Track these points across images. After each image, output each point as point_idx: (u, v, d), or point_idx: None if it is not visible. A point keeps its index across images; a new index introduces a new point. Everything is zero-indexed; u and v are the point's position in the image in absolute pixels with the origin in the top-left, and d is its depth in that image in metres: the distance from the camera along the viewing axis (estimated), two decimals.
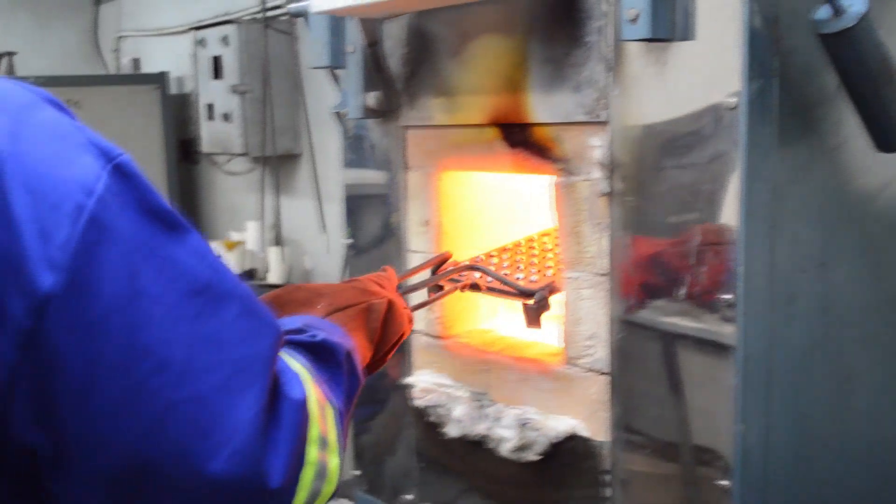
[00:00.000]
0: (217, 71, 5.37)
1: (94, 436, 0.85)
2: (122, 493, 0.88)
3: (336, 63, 2.13)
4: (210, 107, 5.45)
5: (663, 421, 1.61)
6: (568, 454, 1.76)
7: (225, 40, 5.28)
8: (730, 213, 1.48)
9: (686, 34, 1.52)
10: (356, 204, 2.24)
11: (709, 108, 1.50)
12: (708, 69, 1.51)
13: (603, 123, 1.65)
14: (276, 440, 0.94)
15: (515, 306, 2.05)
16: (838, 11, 1.45)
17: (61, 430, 0.84)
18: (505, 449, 1.81)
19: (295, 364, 1.07)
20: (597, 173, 1.66)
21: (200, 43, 5.54)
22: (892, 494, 1.82)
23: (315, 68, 2.16)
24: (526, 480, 1.84)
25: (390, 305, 1.43)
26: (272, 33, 4.71)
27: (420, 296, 1.80)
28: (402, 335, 1.47)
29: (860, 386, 1.71)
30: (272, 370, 0.96)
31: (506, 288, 1.86)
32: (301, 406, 0.99)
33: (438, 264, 1.90)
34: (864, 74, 1.49)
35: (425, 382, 2.01)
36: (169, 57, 6.20)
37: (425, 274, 1.87)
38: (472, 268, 1.88)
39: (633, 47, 1.60)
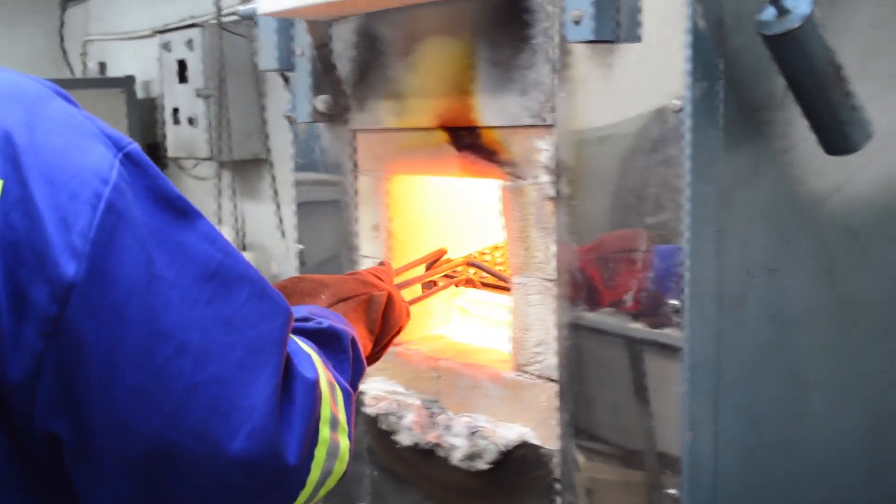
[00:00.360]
0: (182, 75, 5.32)
1: (118, 421, 0.86)
2: (144, 479, 0.89)
3: (285, 66, 2.09)
4: (175, 111, 5.40)
5: (613, 428, 1.58)
6: (518, 462, 1.73)
7: (189, 44, 5.23)
8: (676, 217, 1.46)
9: (631, 36, 1.50)
10: (308, 209, 2.21)
11: (654, 111, 1.48)
12: (653, 71, 1.48)
13: (549, 126, 1.63)
14: (291, 418, 0.97)
15: (470, 312, 2.02)
16: (783, 13, 1.43)
17: (84, 417, 0.85)
18: (455, 457, 1.78)
19: (305, 346, 1.09)
20: (543, 177, 1.64)
21: (166, 47, 5.48)
22: (846, 500, 1.80)
23: (265, 71, 2.12)
24: (477, 489, 1.81)
25: (390, 298, 1.46)
26: (233, 37, 4.66)
27: (414, 292, 1.84)
28: (400, 328, 1.50)
29: (813, 391, 1.69)
30: (285, 350, 0.99)
31: (501, 283, 1.88)
32: (314, 385, 1.02)
33: (433, 260, 1.89)
34: (810, 77, 1.46)
35: (377, 390, 1.98)
36: (135, 61, 6.14)
37: (417, 270, 1.89)
38: (468, 264, 1.86)
39: (578, 49, 1.57)
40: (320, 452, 1.03)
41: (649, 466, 1.54)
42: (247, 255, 5.04)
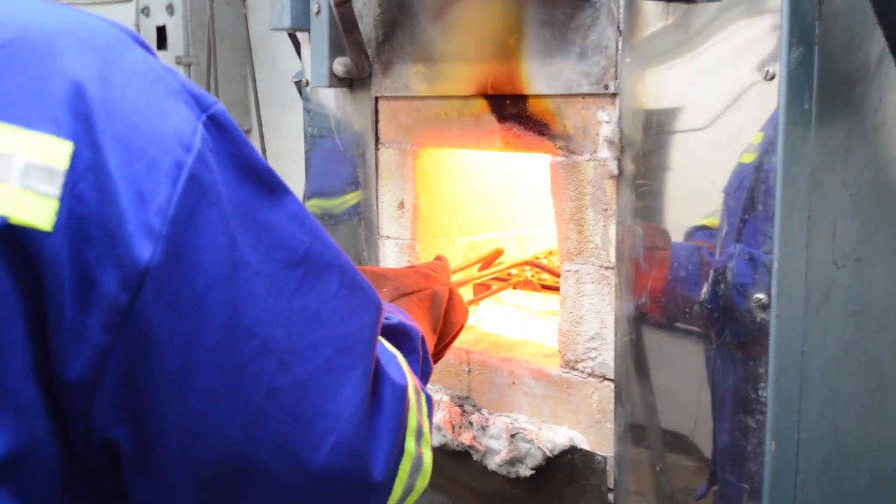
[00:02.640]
0: (162, 41, 5.10)
1: (188, 429, 0.75)
2: (213, 495, 0.78)
3: (299, 25, 1.89)
4: None
5: (680, 435, 1.42)
6: (566, 469, 1.56)
7: (170, 9, 5.01)
8: (764, 200, 1.29)
9: None
10: (318, 184, 2.01)
11: (740, 80, 1.30)
12: (739, 34, 1.30)
13: (612, 95, 1.45)
14: (378, 428, 0.88)
15: (503, 300, 1.85)
16: None
17: (150, 423, 0.74)
18: (493, 462, 1.60)
19: (389, 346, 0.99)
20: (604, 152, 1.46)
21: (144, 12, 5.26)
22: None
23: (277, 30, 1.92)
24: (516, 497, 1.64)
25: (451, 294, 1.37)
26: (219, 1, 4.43)
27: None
28: (461, 327, 1.41)
29: (891, 394, 1.53)
30: (375, 350, 0.88)
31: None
32: (403, 392, 0.92)
33: (489, 261, 1.74)
34: None
35: None
36: None
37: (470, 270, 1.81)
38: (527, 263, 1.70)
39: (649, 8, 1.39)
40: (404, 467, 0.93)
41: (722, 479, 1.37)
42: None
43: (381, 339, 0.97)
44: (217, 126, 0.77)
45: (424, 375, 1.12)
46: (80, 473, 0.75)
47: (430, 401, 1.03)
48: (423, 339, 1.11)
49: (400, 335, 1.06)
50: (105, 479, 0.76)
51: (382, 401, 0.89)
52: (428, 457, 1.00)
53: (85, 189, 0.70)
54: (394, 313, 1.10)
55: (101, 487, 0.77)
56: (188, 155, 0.73)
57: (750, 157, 1.31)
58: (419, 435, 0.97)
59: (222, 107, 0.79)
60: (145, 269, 0.70)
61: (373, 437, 0.86)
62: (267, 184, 0.80)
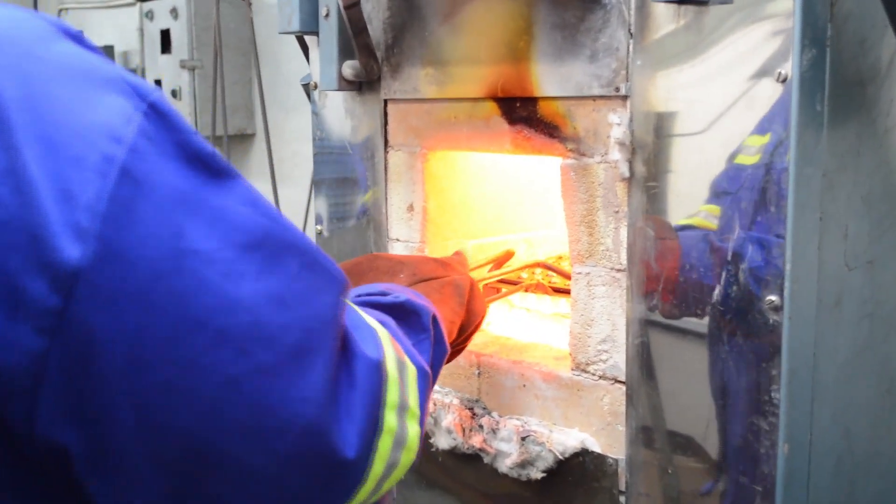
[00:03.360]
0: (165, 45, 5.10)
1: (146, 422, 0.73)
2: (181, 480, 0.77)
3: (308, 28, 1.89)
4: (158, 83, 5.17)
5: (692, 438, 1.41)
6: (577, 472, 1.55)
7: (174, 13, 5.02)
8: (776, 202, 1.29)
9: None
10: (327, 187, 2.01)
11: (752, 82, 1.30)
12: (751, 37, 1.30)
13: (623, 98, 1.45)
14: (351, 404, 0.86)
15: (513, 303, 1.85)
16: None
17: (104, 421, 0.72)
18: (504, 465, 1.60)
19: (371, 320, 0.98)
20: (615, 155, 1.46)
21: (147, 16, 5.27)
22: None
23: (285, 34, 1.92)
24: (526, 499, 1.64)
25: (472, 285, 1.36)
26: (224, 4, 4.43)
27: None
28: (481, 318, 1.38)
29: None
30: (340, 327, 0.87)
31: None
32: (377, 366, 0.91)
33: (499, 263, 1.73)
34: None
35: None
36: (114, 30, 5.89)
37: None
38: (540, 265, 1.70)
39: (660, 10, 1.39)
40: (385, 443, 0.92)
41: (734, 482, 1.37)
42: None
43: (360, 311, 0.96)
44: (158, 115, 0.75)
45: (438, 354, 1.11)
46: (30, 474, 0.74)
47: (422, 373, 1.01)
48: (434, 318, 1.10)
49: (408, 313, 1.06)
50: (58, 478, 0.75)
51: (355, 375, 0.88)
52: (414, 430, 0.98)
53: (3, 194, 0.67)
54: (404, 293, 1.10)
55: (55, 486, 0.75)
56: (119, 147, 0.71)
57: (751, 160, 1.31)
58: (402, 409, 0.95)
59: (163, 94, 0.77)
60: (76, 269, 0.68)
61: (345, 415, 0.85)
62: (215, 170, 0.78)
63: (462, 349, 1.37)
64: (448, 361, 1.30)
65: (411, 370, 0.99)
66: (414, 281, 1.26)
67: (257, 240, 0.78)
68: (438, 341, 1.12)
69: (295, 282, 0.81)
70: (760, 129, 1.30)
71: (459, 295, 1.30)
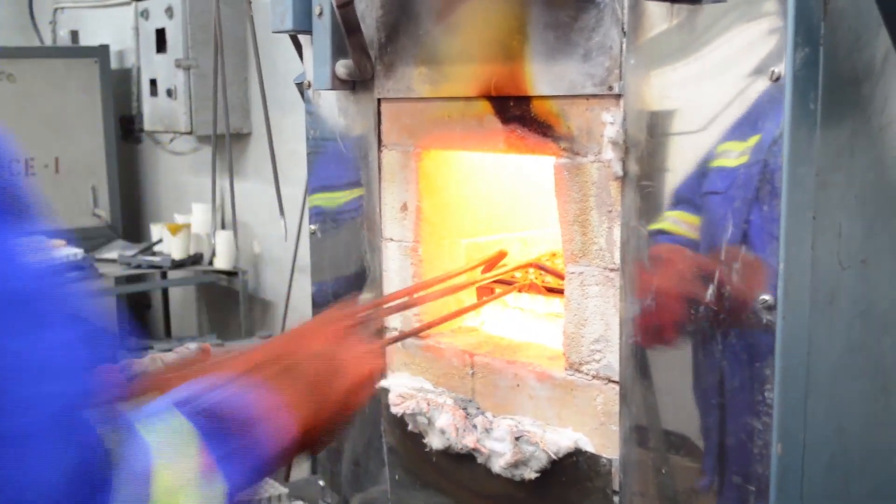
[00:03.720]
0: (161, 44, 5.10)
1: None
2: None
3: (301, 27, 1.89)
4: (153, 82, 5.18)
5: (686, 437, 1.41)
6: (570, 471, 1.55)
7: (169, 12, 5.02)
8: (770, 200, 1.28)
9: None
10: (321, 186, 2.01)
11: (746, 81, 1.30)
12: (744, 36, 1.30)
13: (616, 97, 1.44)
14: None
15: (507, 302, 1.84)
16: None
17: None
18: (498, 465, 1.60)
19: (150, 435, 0.88)
20: (609, 154, 1.45)
21: (143, 15, 5.27)
22: None
23: (278, 32, 1.92)
24: (519, 499, 1.63)
25: (328, 353, 1.18)
26: (221, 3, 4.42)
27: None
28: (359, 383, 1.20)
29: None
30: (94, 424, 0.80)
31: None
32: (141, 482, 0.83)
33: (492, 264, 1.71)
34: None
35: (403, 387, 1.79)
36: (109, 29, 5.88)
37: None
38: (533, 265, 1.68)
39: (653, 9, 1.39)
40: None
41: (728, 481, 1.37)
42: (225, 235, 4.82)
43: (141, 426, 0.89)
44: None
45: (262, 457, 1.00)
46: None
47: (230, 490, 0.92)
48: (256, 417, 1.00)
49: (217, 418, 0.96)
50: None
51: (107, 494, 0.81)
52: None
53: None
54: (224, 393, 1.01)
55: None
56: None
57: (742, 159, 1.30)
58: None
59: None
60: None
61: None
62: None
63: (343, 418, 1.19)
64: (338, 432, 1.20)
65: (218, 487, 0.92)
66: (248, 369, 1.12)
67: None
68: (263, 440, 1.01)
69: (58, 353, 0.77)
70: (753, 127, 1.29)
71: (307, 374, 1.14)
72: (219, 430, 0.95)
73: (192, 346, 1.35)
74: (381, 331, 1.41)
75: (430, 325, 1.76)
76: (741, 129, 1.31)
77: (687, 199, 1.40)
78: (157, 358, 1.32)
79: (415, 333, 1.78)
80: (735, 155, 1.32)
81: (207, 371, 1.09)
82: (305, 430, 1.10)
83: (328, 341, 1.21)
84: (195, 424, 0.94)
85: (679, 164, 1.38)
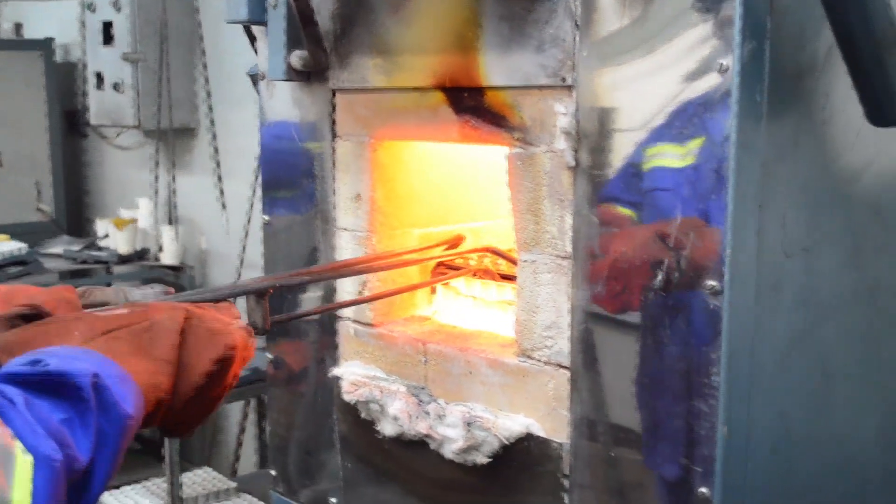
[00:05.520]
0: (108, 37, 5.05)
1: None
2: None
3: (256, 17, 1.89)
4: (99, 76, 5.13)
5: (634, 421, 1.44)
6: (522, 456, 1.58)
7: (117, 5, 4.97)
8: (717, 189, 1.32)
9: None
10: (274, 177, 2.01)
11: (695, 73, 1.33)
12: (695, 28, 1.33)
13: (569, 88, 1.47)
14: None
15: (459, 291, 1.87)
16: None
17: None
18: (450, 450, 1.62)
19: None
20: (561, 144, 1.48)
21: (89, 7, 5.21)
22: (869, 499, 1.69)
23: (233, 23, 1.92)
24: (471, 485, 1.66)
25: (189, 318, 1.12)
26: None
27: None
28: (229, 351, 1.13)
29: (839, 382, 1.58)
30: None
31: None
32: None
33: (448, 246, 1.74)
34: (866, 37, 1.34)
35: (355, 375, 1.81)
36: (54, 22, 5.81)
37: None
38: (486, 250, 1.70)
39: (606, 3, 1.42)
40: None
41: (675, 463, 1.40)
42: (172, 230, 4.79)
43: None
44: None
45: (110, 422, 0.95)
46: None
47: (42, 461, 0.87)
48: (96, 382, 0.95)
49: (57, 383, 0.92)
50: None
51: None
52: None
53: None
54: (61, 357, 0.96)
55: None
56: None
57: (691, 148, 1.34)
58: None
59: None
60: None
61: None
62: None
63: (214, 391, 1.13)
64: (198, 409, 1.12)
65: (21, 461, 0.85)
66: (91, 336, 1.06)
67: None
68: (108, 406, 0.95)
69: None
70: (701, 119, 1.33)
71: (163, 338, 1.08)
72: (46, 395, 0.91)
73: (157, 286, 1.33)
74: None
75: (368, 300, 1.78)
76: (688, 122, 1.34)
77: (624, 195, 1.43)
78: (122, 291, 1.28)
79: (321, 312, 1.83)
80: (679, 153, 1.36)
81: (51, 341, 1.04)
82: (159, 403, 1.05)
83: (197, 311, 1.14)
84: (18, 391, 0.89)
85: (629, 155, 1.41)
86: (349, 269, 1.69)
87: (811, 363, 1.52)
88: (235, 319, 1.23)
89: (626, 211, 1.43)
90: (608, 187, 1.44)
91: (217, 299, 1.33)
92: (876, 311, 1.64)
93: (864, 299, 1.61)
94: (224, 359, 1.13)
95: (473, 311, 1.83)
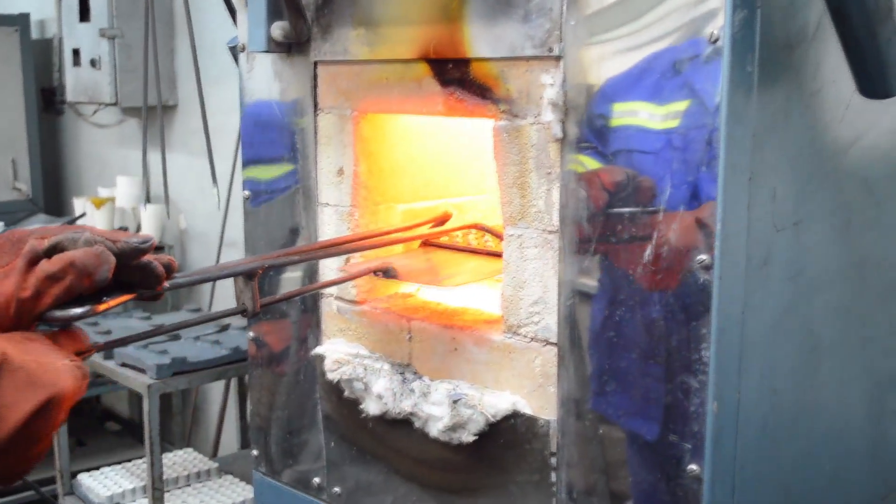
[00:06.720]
0: (84, 13, 4.98)
1: None
2: None
3: None
4: (76, 52, 5.05)
5: (623, 398, 1.42)
6: (508, 434, 1.56)
7: None
8: (707, 161, 1.30)
9: None
10: (255, 152, 1.97)
11: (685, 42, 1.31)
12: None
13: (556, 58, 1.44)
14: None
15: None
16: None
17: None
18: (435, 429, 1.59)
19: None
20: (548, 115, 1.45)
21: None
22: (855, 474, 1.68)
23: None
24: (457, 463, 1.63)
25: (9, 361, 0.98)
26: None
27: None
28: (50, 400, 0.99)
29: (826, 357, 1.56)
30: None
31: None
32: None
33: (438, 223, 1.72)
34: (859, 8, 1.32)
35: (338, 353, 1.78)
36: None
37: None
38: (475, 226, 1.68)
39: None
40: None
41: (664, 440, 1.38)
42: (153, 209, 4.74)
43: None
44: None
45: None
46: None
47: None
48: None
49: None
50: None
51: None
52: None
53: None
54: None
55: None
56: None
57: (679, 120, 1.32)
58: None
59: None
60: None
61: None
62: None
63: (39, 447, 1.01)
64: (29, 460, 1.01)
65: None
66: None
67: None
68: None
69: None
70: (691, 90, 1.30)
71: None
72: None
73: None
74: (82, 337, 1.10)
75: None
76: (675, 89, 1.32)
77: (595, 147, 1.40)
78: (89, 229, 1.14)
79: (312, 290, 1.81)
80: (657, 113, 1.33)
81: None
82: None
83: (18, 355, 0.99)
84: None
85: (618, 126, 1.38)
86: (338, 249, 1.65)
87: (800, 338, 1.51)
88: (74, 352, 1.06)
89: (595, 164, 1.40)
90: (597, 160, 1.41)
91: (204, 281, 1.32)
92: (864, 285, 1.63)
93: (853, 274, 1.60)
94: (44, 408, 0.99)
95: (458, 288, 1.80)
